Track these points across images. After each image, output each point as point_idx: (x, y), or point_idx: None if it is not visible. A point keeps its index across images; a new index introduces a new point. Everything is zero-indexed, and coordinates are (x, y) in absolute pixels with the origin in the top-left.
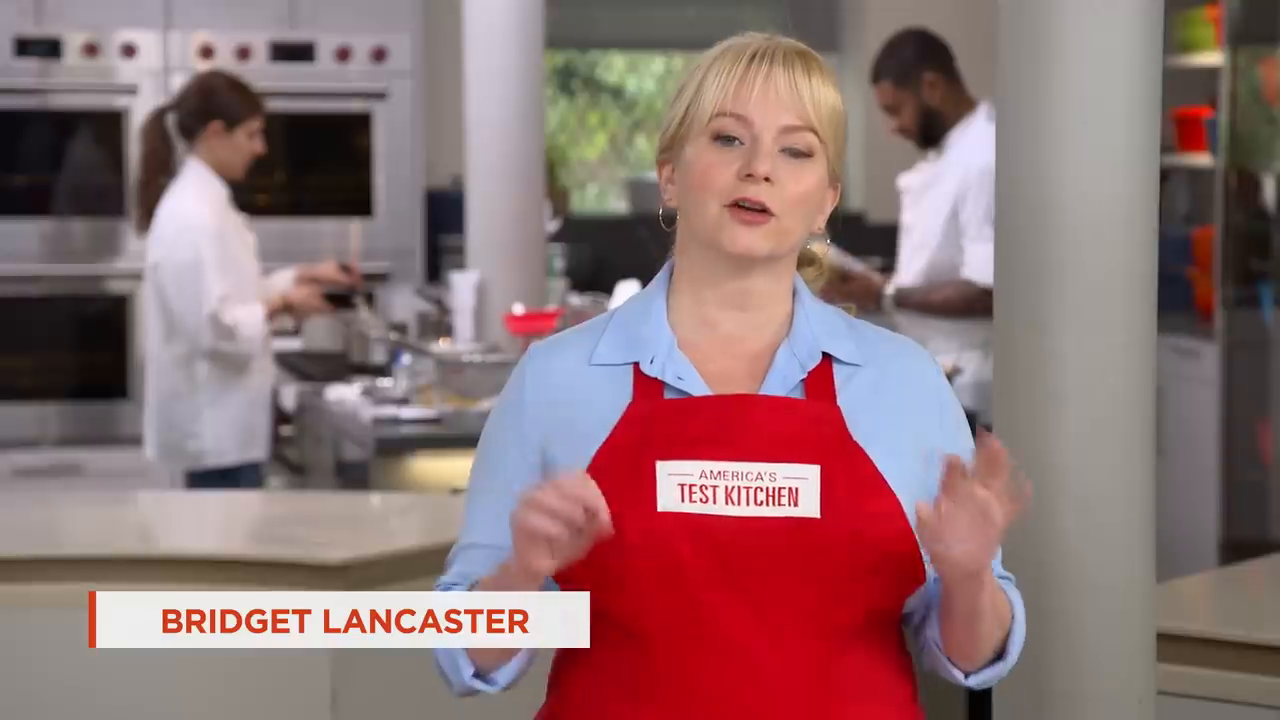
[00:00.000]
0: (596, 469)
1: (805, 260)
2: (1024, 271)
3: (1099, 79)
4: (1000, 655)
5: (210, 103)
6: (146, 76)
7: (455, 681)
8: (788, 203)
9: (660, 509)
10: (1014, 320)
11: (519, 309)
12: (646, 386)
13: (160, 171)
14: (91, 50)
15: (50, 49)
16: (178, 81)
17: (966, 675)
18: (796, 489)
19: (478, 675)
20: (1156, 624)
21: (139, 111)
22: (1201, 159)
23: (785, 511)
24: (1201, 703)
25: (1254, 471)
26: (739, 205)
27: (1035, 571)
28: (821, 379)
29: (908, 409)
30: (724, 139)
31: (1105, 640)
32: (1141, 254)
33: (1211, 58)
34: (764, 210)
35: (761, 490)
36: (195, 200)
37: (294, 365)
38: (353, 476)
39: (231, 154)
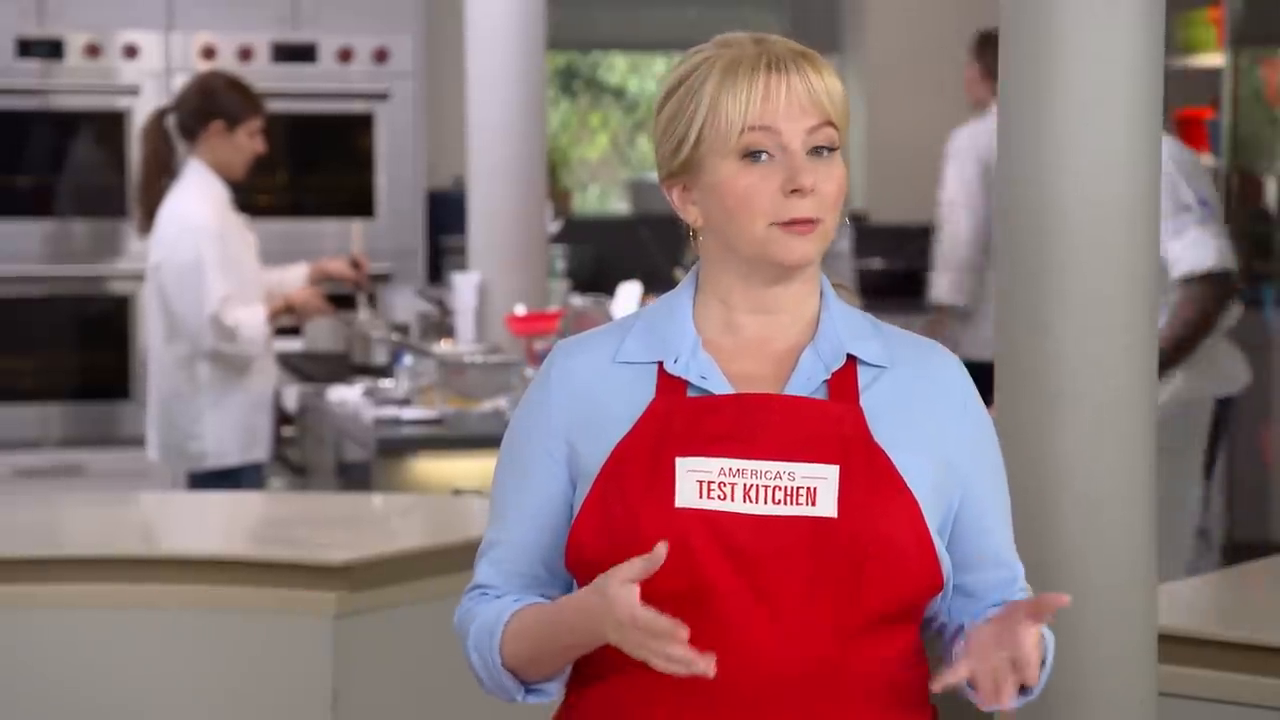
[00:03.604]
0: (616, 464)
1: None
2: (1026, 273)
3: (1100, 80)
4: (1023, 690)
5: (211, 103)
6: (148, 77)
7: (510, 700)
8: (829, 206)
9: (678, 505)
10: (1016, 321)
11: (520, 310)
12: (670, 385)
13: (161, 172)
14: (93, 51)
15: (52, 50)
16: (179, 82)
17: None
18: (815, 489)
19: (530, 691)
20: (1158, 625)
21: (141, 112)
22: (1203, 160)
23: (803, 511)
24: (1203, 704)
25: (1256, 473)
26: (790, 223)
27: (1037, 571)
28: (845, 380)
29: (930, 411)
30: (753, 154)
31: (1107, 641)
32: (1143, 255)
33: (1213, 59)
34: (811, 220)
35: (780, 489)
36: (197, 201)
37: (296, 366)
38: (354, 477)
39: (233, 154)
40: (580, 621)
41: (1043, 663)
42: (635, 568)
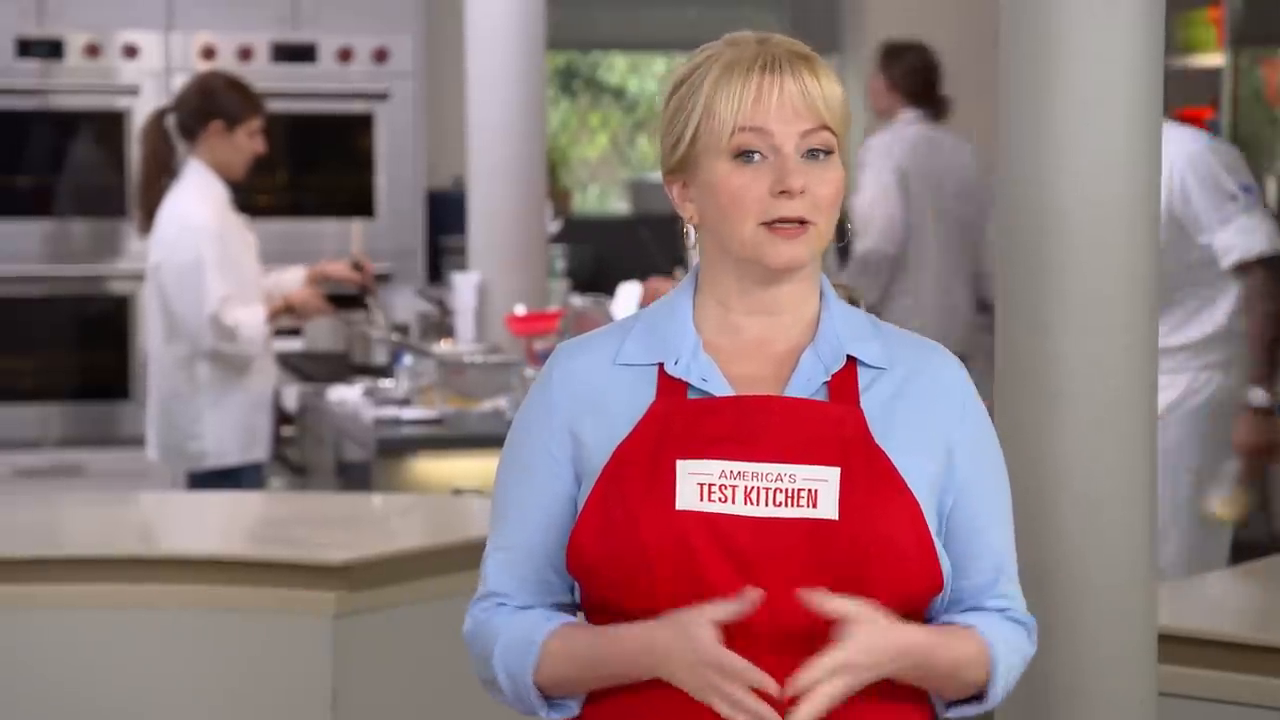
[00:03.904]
0: (616, 466)
1: None
2: (1026, 273)
3: (1100, 80)
4: (979, 697)
5: (210, 102)
6: (148, 77)
7: (530, 714)
8: (822, 208)
9: (679, 507)
10: (1016, 321)
11: (520, 310)
12: (670, 387)
13: (161, 173)
14: (93, 51)
15: (52, 50)
16: (179, 82)
17: (948, 706)
18: (816, 491)
19: (553, 707)
20: (1158, 625)
21: (140, 112)
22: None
23: (804, 513)
24: (1203, 704)
25: None
26: (777, 223)
27: (1036, 571)
28: (845, 382)
29: (930, 411)
30: (745, 155)
31: (1106, 641)
32: (1143, 256)
33: (1213, 59)
34: (802, 222)
35: (781, 491)
36: (197, 201)
37: (296, 366)
38: (354, 477)
39: (233, 154)
40: (643, 655)
41: (992, 677)
42: (722, 610)
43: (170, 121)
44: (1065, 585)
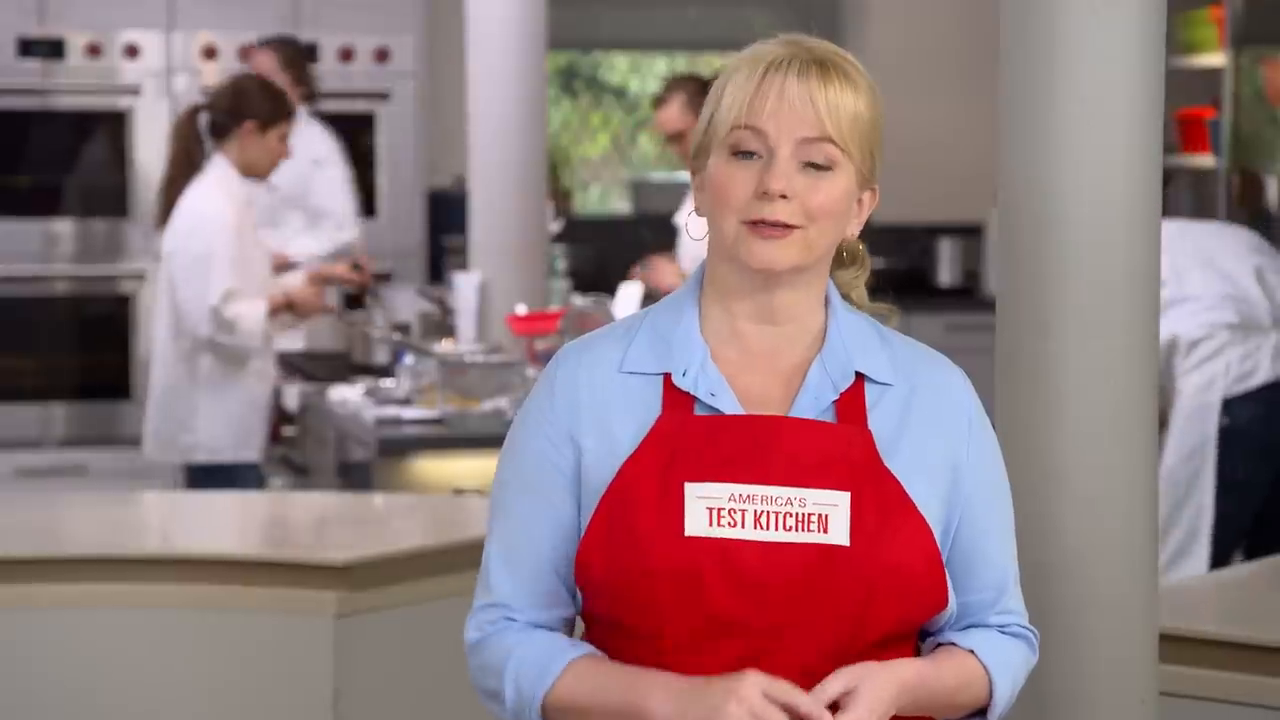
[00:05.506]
0: (623, 483)
1: (851, 259)
2: (1026, 274)
3: (1101, 80)
4: (981, 713)
5: (244, 103)
6: (149, 77)
7: None
8: (812, 215)
9: (688, 533)
10: (1017, 322)
11: (521, 309)
12: (677, 400)
13: (190, 170)
14: (94, 51)
15: (53, 49)
16: (181, 82)
17: None
18: (826, 516)
19: None
20: (1159, 625)
21: (142, 112)
22: (1204, 160)
23: (814, 538)
24: (1204, 704)
25: None
26: (757, 223)
27: (1036, 572)
28: (853, 400)
29: (937, 428)
30: (742, 153)
31: (1107, 641)
32: (1144, 256)
33: (1214, 58)
34: (786, 226)
35: (791, 516)
36: (218, 196)
37: (297, 366)
38: (355, 477)
39: (262, 155)
40: (673, 698)
41: (993, 698)
42: (778, 689)
43: (202, 120)
44: (1066, 586)
